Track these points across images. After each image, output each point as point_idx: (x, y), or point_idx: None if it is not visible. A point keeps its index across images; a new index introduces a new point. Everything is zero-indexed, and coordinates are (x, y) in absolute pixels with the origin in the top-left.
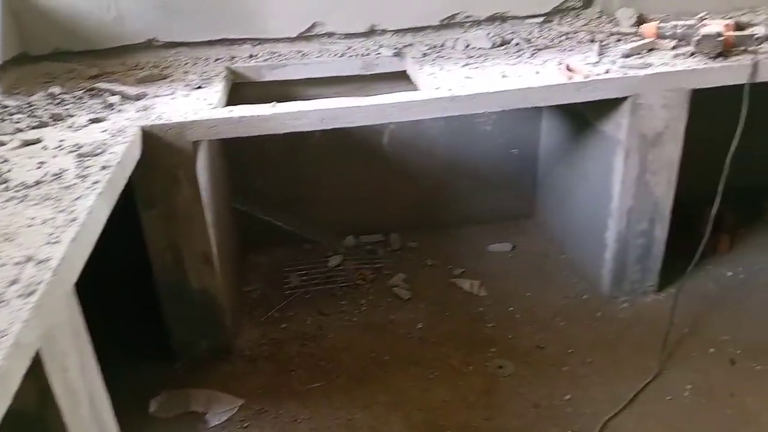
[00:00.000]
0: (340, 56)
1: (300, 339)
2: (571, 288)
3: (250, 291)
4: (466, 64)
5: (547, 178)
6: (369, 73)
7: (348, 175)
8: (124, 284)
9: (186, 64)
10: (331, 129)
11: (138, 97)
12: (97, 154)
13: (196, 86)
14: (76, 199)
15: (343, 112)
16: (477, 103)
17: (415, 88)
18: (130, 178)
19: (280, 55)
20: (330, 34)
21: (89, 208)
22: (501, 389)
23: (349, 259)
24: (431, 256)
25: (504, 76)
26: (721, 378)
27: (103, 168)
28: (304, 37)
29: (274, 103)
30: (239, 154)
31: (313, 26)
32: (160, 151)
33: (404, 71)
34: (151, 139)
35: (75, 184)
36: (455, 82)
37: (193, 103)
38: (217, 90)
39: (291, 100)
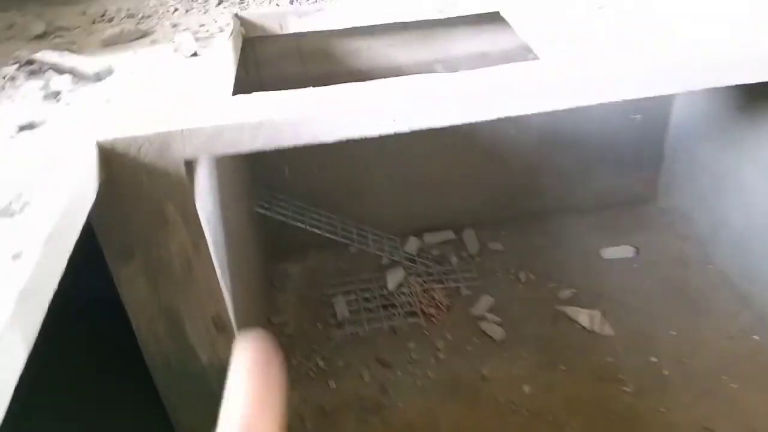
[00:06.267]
0: None
1: (357, 408)
2: (731, 320)
3: (281, 324)
4: None
5: (685, 155)
6: (445, 16)
7: (407, 153)
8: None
9: (175, 11)
10: None
11: (99, 77)
12: (19, 210)
13: (191, 53)
14: None
15: (445, 103)
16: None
17: (513, 36)
18: (88, 219)
19: None
20: None
21: None
22: None
23: (413, 273)
24: (523, 265)
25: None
26: None
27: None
28: None
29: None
30: None
31: None
32: (133, 178)
33: (496, 12)
34: (118, 160)
35: None
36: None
37: (184, 86)
38: (222, 56)
39: (325, 58)
